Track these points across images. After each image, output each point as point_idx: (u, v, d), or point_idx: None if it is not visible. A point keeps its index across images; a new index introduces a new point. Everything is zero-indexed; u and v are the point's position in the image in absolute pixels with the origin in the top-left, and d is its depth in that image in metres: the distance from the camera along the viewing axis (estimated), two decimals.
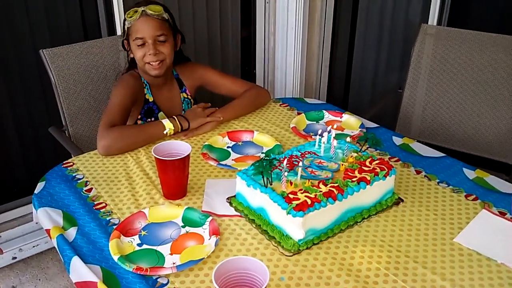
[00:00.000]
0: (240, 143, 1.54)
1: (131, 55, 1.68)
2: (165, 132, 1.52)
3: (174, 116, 1.56)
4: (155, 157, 1.21)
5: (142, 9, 1.59)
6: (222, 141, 1.55)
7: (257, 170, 1.15)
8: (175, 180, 1.24)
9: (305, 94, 2.82)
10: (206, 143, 1.52)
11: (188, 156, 1.22)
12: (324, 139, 1.32)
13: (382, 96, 2.52)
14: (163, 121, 1.53)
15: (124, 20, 1.63)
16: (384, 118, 2.23)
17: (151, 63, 1.62)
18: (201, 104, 1.66)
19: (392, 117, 2.19)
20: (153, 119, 1.71)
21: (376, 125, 1.67)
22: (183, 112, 1.77)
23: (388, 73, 2.85)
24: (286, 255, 1.10)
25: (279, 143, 1.51)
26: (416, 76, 2.08)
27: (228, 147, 1.52)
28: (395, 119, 2.17)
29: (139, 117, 1.69)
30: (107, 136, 1.46)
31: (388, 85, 2.78)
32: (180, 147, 1.25)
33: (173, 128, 1.53)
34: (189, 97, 1.80)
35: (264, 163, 1.15)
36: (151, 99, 1.71)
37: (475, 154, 2.00)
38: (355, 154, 1.28)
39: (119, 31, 2.20)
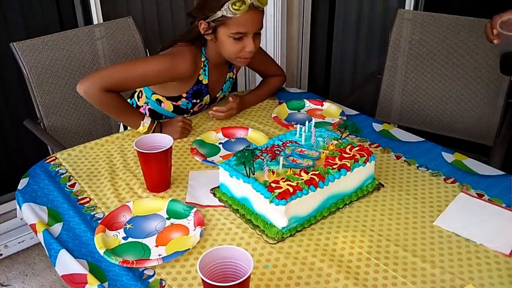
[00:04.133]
0: (233, 140, 1.52)
1: (208, 38, 1.51)
2: (140, 127, 1.49)
3: (156, 121, 1.51)
4: (137, 150, 1.21)
5: (251, 1, 1.42)
6: (215, 137, 1.53)
7: (239, 160, 1.16)
8: (158, 172, 1.25)
9: (287, 82, 2.82)
10: (197, 138, 1.51)
11: (170, 148, 1.23)
12: (305, 128, 1.34)
13: (362, 82, 2.54)
14: (143, 121, 1.48)
15: (222, 4, 1.42)
16: (365, 104, 2.26)
17: (246, 58, 1.51)
18: (188, 119, 1.56)
19: (373, 102, 2.22)
20: (198, 100, 1.63)
21: (356, 112, 1.69)
22: (221, 92, 1.69)
23: (368, 59, 2.87)
24: (270, 243, 1.12)
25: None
26: (394, 61, 2.11)
27: (220, 143, 1.51)
28: (376, 104, 2.20)
29: (185, 95, 1.59)
30: (96, 96, 1.42)
31: (368, 71, 2.80)
32: (163, 139, 1.25)
33: (146, 127, 1.48)
34: (233, 76, 1.72)
35: (246, 154, 1.16)
36: (205, 81, 1.60)
37: (454, 137, 2.04)
38: (336, 142, 1.30)
39: (95, 20, 2.18)
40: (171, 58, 1.50)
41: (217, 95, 1.70)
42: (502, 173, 1.35)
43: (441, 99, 2.05)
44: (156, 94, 1.62)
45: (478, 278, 1.02)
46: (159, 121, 1.54)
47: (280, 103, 1.73)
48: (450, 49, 2.00)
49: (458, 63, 2.00)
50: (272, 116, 1.63)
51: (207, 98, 1.65)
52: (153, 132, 1.49)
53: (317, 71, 3.06)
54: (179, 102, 1.62)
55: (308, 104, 1.72)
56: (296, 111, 1.69)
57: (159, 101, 1.63)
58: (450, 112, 2.04)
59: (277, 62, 1.89)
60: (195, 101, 1.63)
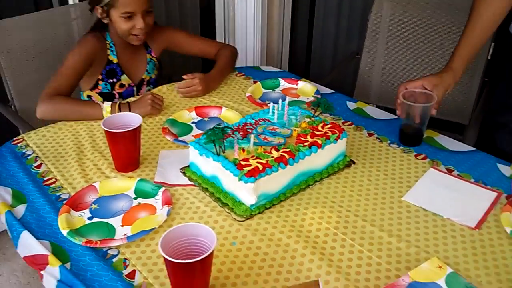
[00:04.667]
0: (206, 119, 1.50)
1: (105, 21, 1.63)
2: (103, 113, 1.46)
3: (118, 102, 1.51)
4: (104, 129, 1.19)
5: None
6: (188, 116, 1.51)
7: (209, 138, 1.15)
8: (126, 152, 1.23)
9: (267, 63, 2.81)
10: (170, 117, 1.49)
11: (138, 127, 1.21)
12: (279, 106, 1.32)
13: (341, 62, 2.52)
14: (103, 106, 1.47)
15: None
16: (346, 85, 2.25)
17: (137, 35, 1.61)
18: (155, 93, 1.56)
19: (353, 83, 2.21)
20: (115, 80, 1.68)
21: (331, 91, 1.68)
22: (146, 73, 1.75)
23: (350, 40, 2.86)
24: (238, 221, 1.11)
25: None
26: (374, 41, 2.09)
27: (193, 122, 1.49)
28: (354, 85, 2.19)
29: (100, 77, 1.67)
30: (47, 104, 1.49)
31: (349, 52, 2.78)
32: (131, 118, 1.23)
33: (109, 110, 1.46)
34: (154, 59, 1.77)
35: (216, 132, 1.15)
36: (115, 60, 1.68)
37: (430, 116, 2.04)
38: (308, 120, 1.29)
39: (71, 1, 2.13)
40: (77, 47, 1.63)
41: (143, 77, 1.72)
42: (473, 148, 1.36)
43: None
44: (85, 91, 1.71)
45: (443, 251, 1.03)
46: (126, 101, 1.53)
47: (254, 82, 1.71)
48: (429, 29, 1.99)
49: (437, 43, 1.99)
50: (246, 95, 1.61)
51: (126, 78, 1.69)
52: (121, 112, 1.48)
53: (298, 52, 3.03)
54: (100, 87, 1.69)
55: (283, 83, 1.70)
56: (271, 90, 1.68)
57: (89, 97, 1.72)
58: None
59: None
60: (111, 80, 1.69)
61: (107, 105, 1.47)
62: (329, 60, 2.99)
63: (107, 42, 1.67)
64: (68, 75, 1.55)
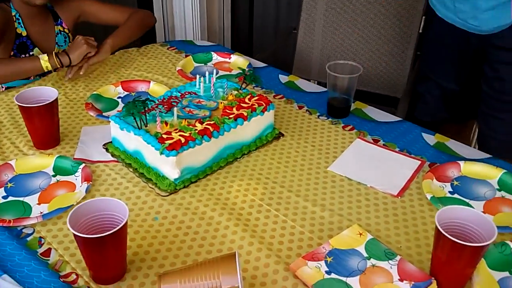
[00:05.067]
0: (133, 94, 1.46)
1: None
2: (41, 63, 1.41)
3: (54, 52, 1.45)
4: (18, 105, 1.13)
5: None
6: (114, 91, 1.46)
7: (128, 111, 1.11)
8: (43, 128, 1.17)
9: (209, 39, 2.76)
10: (94, 92, 1.44)
11: (55, 101, 1.15)
12: (206, 79, 1.30)
13: (277, 38, 2.51)
14: (40, 56, 1.42)
15: None
16: (287, 61, 2.24)
17: None
18: (86, 37, 1.51)
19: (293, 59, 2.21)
20: (27, 55, 1.60)
21: (264, 65, 1.66)
22: (56, 46, 1.66)
23: (291, 15, 2.85)
24: (162, 196, 1.08)
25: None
26: (311, 15, 2.09)
27: (119, 97, 1.44)
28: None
29: (12, 53, 1.57)
30: None
31: (290, 28, 2.78)
32: (47, 92, 1.17)
33: (49, 64, 1.42)
34: (65, 30, 1.69)
35: (136, 104, 1.11)
36: (24, 33, 1.58)
37: (366, 90, 2.07)
38: (236, 92, 1.27)
39: None
40: None
41: (55, 51, 1.63)
42: (399, 119, 1.38)
43: (356, 53, 2.06)
44: None
45: (365, 219, 1.04)
46: (60, 51, 1.47)
47: (186, 56, 1.67)
48: (365, 2, 2.00)
49: (373, 16, 2.01)
50: (177, 69, 1.57)
51: (37, 52, 1.63)
52: (60, 61, 1.43)
53: (240, 28, 3.00)
54: (20, 56, 1.59)
55: (216, 57, 1.67)
56: (203, 64, 1.64)
57: None
58: (364, 66, 2.06)
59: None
60: (24, 55, 1.60)
61: (44, 55, 1.42)
62: (272, 36, 2.98)
63: (13, 14, 1.57)
64: None
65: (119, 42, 1.60)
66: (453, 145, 1.28)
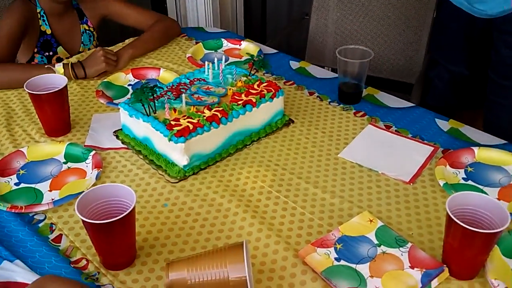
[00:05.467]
0: (143, 81, 1.45)
1: None
2: (58, 71, 1.41)
3: (70, 62, 1.45)
4: (28, 92, 1.14)
5: None
6: (125, 78, 1.46)
7: (136, 98, 1.11)
8: (53, 115, 1.18)
9: (222, 26, 2.74)
10: (105, 80, 1.44)
11: (64, 88, 1.16)
12: (215, 65, 1.29)
13: (288, 25, 2.48)
14: (55, 68, 1.41)
15: None
16: (301, 48, 2.21)
17: None
18: (106, 49, 1.51)
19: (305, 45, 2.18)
20: (51, 53, 1.61)
21: (275, 51, 1.64)
22: (82, 46, 1.67)
23: (305, 2, 2.81)
24: (172, 182, 1.08)
25: None
26: (324, 1, 2.06)
27: (129, 84, 1.44)
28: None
29: (36, 50, 1.58)
30: None
31: (302, 13, 2.75)
32: (56, 80, 1.18)
33: (63, 71, 1.41)
34: (90, 29, 1.69)
35: (145, 91, 1.11)
36: (48, 31, 1.59)
37: (380, 77, 2.04)
38: (244, 78, 1.26)
39: None
40: (6, 15, 1.52)
41: (80, 50, 1.64)
42: (411, 104, 1.36)
43: (369, 39, 2.03)
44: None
45: (376, 206, 1.03)
46: (78, 61, 1.46)
47: (197, 43, 1.66)
48: None
49: (386, 2, 1.97)
50: (187, 56, 1.56)
51: (62, 50, 1.62)
52: (75, 73, 1.43)
53: (253, 14, 2.97)
54: (36, 61, 1.60)
55: (226, 44, 1.66)
56: (213, 51, 1.63)
57: None
58: (378, 51, 2.03)
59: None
60: (47, 53, 1.61)
61: (59, 67, 1.41)
62: (285, 22, 2.95)
63: (38, 11, 1.57)
64: (4, 42, 1.47)
65: (138, 53, 1.58)
66: (467, 131, 1.25)
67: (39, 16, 1.58)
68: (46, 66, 1.42)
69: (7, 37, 1.47)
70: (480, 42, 1.65)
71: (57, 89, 1.14)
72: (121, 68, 1.50)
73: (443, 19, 1.66)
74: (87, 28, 1.68)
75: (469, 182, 1.09)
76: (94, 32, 1.71)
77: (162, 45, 1.66)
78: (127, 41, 1.67)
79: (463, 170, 1.12)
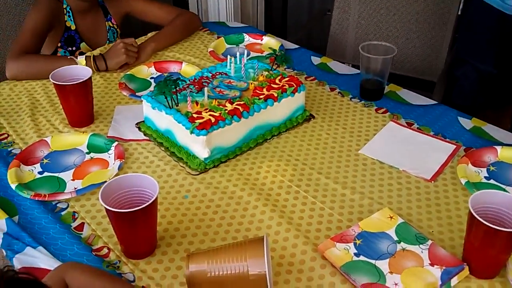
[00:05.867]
0: (165, 74, 1.46)
1: None
2: (80, 62, 1.43)
3: (92, 54, 1.47)
4: (53, 83, 1.16)
5: None
6: (147, 71, 1.48)
7: (159, 91, 1.12)
8: (78, 106, 1.20)
9: (242, 21, 2.74)
10: (128, 73, 1.45)
11: (89, 80, 1.17)
12: (237, 60, 1.29)
13: (310, 20, 2.47)
14: (77, 59, 1.43)
15: None
16: (322, 44, 2.21)
17: None
18: (128, 39, 1.51)
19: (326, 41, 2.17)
20: (74, 48, 1.63)
21: (296, 46, 1.64)
22: (107, 42, 1.68)
23: None
24: (192, 175, 1.09)
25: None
26: None
27: (151, 77, 1.46)
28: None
29: (59, 45, 1.61)
30: (16, 63, 1.42)
31: (324, 10, 2.73)
32: (81, 71, 1.19)
33: (85, 63, 1.43)
34: (114, 26, 1.71)
35: (168, 84, 1.12)
36: (73, 27, 1.61)
37: (401, 74, 2.02)
38: (266, 73, 1.27)
39: None
40: (33, 9, 1.54)
41: (105, 46, 1.64)
42: (434, 102, 1.35)
43: (391, 36, 2.01)
44: None
45: (397, 203, 1.03)
46: (100, 53, 1.49)
47: (218, 38, 1.67)
48: None
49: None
50: (209, 50, 1.57)
51: (85, 46, 1.64)
52: (97, 65, 1.45)
53: (274, 10, 2.97)
54: (59, 55, 1.62)
55: (248, 39, 1.66)
56: (235, 46, 1.64)
57: None
58: (400, 49, 2.01)
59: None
60: (70, 49, 1.62)
61: (81, 59, 1.43)
62: (306, 18, 2.93)
63: (64, 7, 1.59)
64: (29, 36, 1.49)
65: (161, 46, 1.59)
66: (490, 129, 1.24)
67: (65, 12, 1.60)
68: (69, 57, 1.45)
69: (32, 30, 1.50)
70: (509, 40, 1.61)
71: (81, 80, 1.15)
72: (143, 61, 1.52)
73: (472, 16, 1.63)
74: (111, 25, 1.71)
75: (491, 181, 1.08)
76: (117, 29, 1.73)
77: (183, 39, 1.67)
78: (149, 35, 1.68)
79: (485, 169, 1.11)
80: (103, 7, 1.69)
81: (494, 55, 1.68)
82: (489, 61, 1.68)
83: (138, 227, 0.85)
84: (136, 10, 1.73)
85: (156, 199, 0.84)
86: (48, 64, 1.42)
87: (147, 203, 0.82)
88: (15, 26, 1.74)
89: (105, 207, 0.82)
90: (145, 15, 1.72)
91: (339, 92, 1.39)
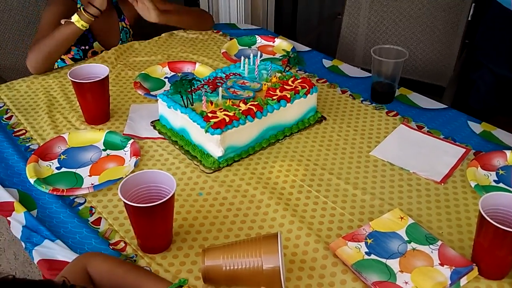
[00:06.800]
0: (179, 74, 1.49)
1: None
2: (76, 24, 1.45)
3: (82, 6, 1.49)
4: (71, 80, 1.18)
5: None
6: (161, 71, 1.50)
7: (175, 90, 1.14)
8: (95, 103, 1.22)
9: (252, 24, 2.77)
10: (142, 72, 1.48)
11: (106, 78, 1.20)
12: (250, 61, 1.32)
13: (320, 24, 2.49)
14: (72, 20, 1.46)
15: None
16: (332, 47, 2.23)
17: None
18: None
19: (337, 45, 2.19)
20: (87, 47, 1.65)
21: (308, 49, 1.66)
22: (120, 42, 1.71)
23: (336, 1, 2.82)
24: (206, 173, 1.12)
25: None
26: (357, 1, 2.06)
27: (165, 77, 1.48)
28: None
29: (72, 43, 1.61)
30: (32, 52, 1.47)
31: (335, 13, 2.76)
32: (98, 70, 1.22)
33: (83, 21, 1.45)
34: (127, 26, 1.73)
35: (184, 83, 1.14)
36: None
37: (410, 78, 2.04)
38: (279, 74, 1.29)
39: None
40: (49, 5, 1.58)
41: (119, 46, 1.66)
42: (444, 106, 1.36)
43: (401, 40, 2.03)
44: None
45: (407, 204, 1.04)
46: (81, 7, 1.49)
47: (231, 39, 1.69)
48: None
49: (420, 3, 1.97)
50: (222, 52, 1.59)
51: (97, 45, 1.66)
52: (90, 13, 1.45)
53: (284, 13, 2.99)
54: (72, 53, 1.64)
55: (260, 40, 1.68)
56: (247, 47, 1.66)
57: (62, 60, 1.67)
58: (409, 53, 2.02)
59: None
60: (83, 47, 1.64)
61: (75, 16, 1.46)
62: (316, 21, 2.96)
63: (78, 6, 1.61)
64: (46, 30, 1.51)
65: (169, 20, 1.62)
66: (500, 134, 1.25)
67: (78, 10, 1.62)
68: (63, 21, 1.47)
69: (47, 25, 1.52)
70: None
71: (99, 79, 1.18)
72: (148, 13, 1.55)
73: (490, 20, 1.64)
74: (125, 25, 1.73)
75: (501, 184, 1.09)
76: (130, 30, 1.75)
77: (192, 28, 1.73)
78: (163, 35, 1.71)
79: (494, 172, 1.12)
80: (117, 7, 1.71)
81: (510, 60, 1.68)
82: (506, 65, 1.69)
83: (156, 222, 0.87)
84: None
85: (173, 195, 0.86)
86: (51, 39, 1.46)
87: (165, 198, 0.84)
88: (32, 22, 1.77)
89: (124, 202, 0.84)
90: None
91: (350, 95, 1.41)
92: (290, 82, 1.24)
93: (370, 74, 1.48)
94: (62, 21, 1.47)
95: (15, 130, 1.24)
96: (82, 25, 1.46)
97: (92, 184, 1.06)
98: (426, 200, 1.05)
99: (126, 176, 1.05)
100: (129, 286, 0.81)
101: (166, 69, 1.50)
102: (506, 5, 1.55)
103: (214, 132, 1.08)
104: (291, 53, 1.34)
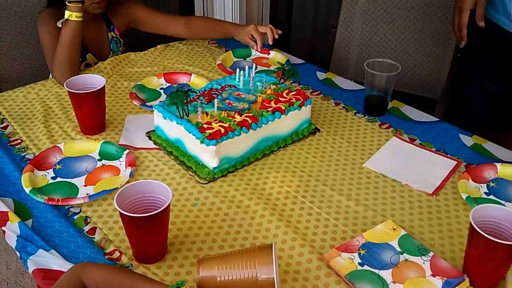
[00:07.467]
0: (175, 85, 1.51)
1: None
2: (70, 19, 1.46)
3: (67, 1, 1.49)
4: (68, 90, 1.19)
5: None
6: (157, 82, 1.52)
7: (171, 100, 1.15)
8: (90, 114, 1.23)
9: None
10: (138, 83, 1.49)
11: (102, 89, 1.21)
12: (245, 73, 1.33)
13: (315, 36, 2.52)
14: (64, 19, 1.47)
15: None
16: (324, 59, 2.25)
17: (97, 2, 1.55)
18: None
19: (330, 58, 2.22)
20: (80, 60, 1.67)
21: (302, 61, 1.69)
22: (111, 53, 1.71)
23: (329, 14, 2.85)
24: (201, 183, 1.13)
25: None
26: (350, 15, 2.10)
27: (161, 88, 1.50)
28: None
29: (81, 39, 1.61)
30: (54, 73, 1.49)
31: (328, 26, 2.79)
32: (95, 80, 1.23)
33: (72, 13, 1.45)
34: (118, 36, 1.74)
35: (179, 94, 1.15)
36: None
37: (403, 91, 2.07)
38: (274, 86, 1.30)
39: None
40: (42, 25, 1.57)
41: (109, 57, 1.68)
42: (436, 119, 1.39)
43: (394, 54, 2.06)
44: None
45: (399, 215, 1.06)
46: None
47: (226, 51, 1.71)
48: (406, 2, 1.99)
49: (413, 17, 2.00)
50: (217, 63, 1.61)
51: (91, 57, 1.67)
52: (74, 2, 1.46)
53: (279, 26, 3.02)
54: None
55: (255, 53, 1.70)
56: (242, 59, 1.68)
57: None
58: (402, 67, 2.05)
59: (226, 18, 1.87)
60: None
61: (65, 13, 1.47)
62: (310, 34, 2.99)
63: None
64: (54, 46, 1.50)
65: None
66: (491, 147, 1.27)
67: None
68: (59, 23, 1.48)
69: (50, 42, 1.52)
70: None
71: (96, 89, 1.19)
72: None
73: (480, 35, 1.67)
74: (114, 35, 1.72)
75: (491, 196, 1.11)
76: (120, 39, 1.75)
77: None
78: (159, 47, 1.73)
79: (485, 185, 1.14)
80: (106, 18, 1.71)
81: (500, 74, 1.71)
82: (496, 80, 1.72)
83: (151, 232, 0.88)
84: (142, 21, 1.74)
85: (168, 205, 0.87)
86: (60, 46, 1.47)
87: (161, 209, 0.85)
88: (28, 32, 1.79)
89: (120, 211, 0.85)
90: (152, 25, 1.74)
91: (343, 107, 1.43)
92: (284, 94, 1.26)
93: (363, 87, 1.51)
94: (59, 24, 1.49)
95: (10, 139, 1.25)
96: (76, 16, 1.46)
97: (87, 194, 1.07)
98: (418, 211, 1.07)
99: (122, 186, 1.07)
100: None
101: (162, 80, 1.52)
102: (505, 27, 1.58)
103: (209, 143, 1.09)
104: (285, 65, 1.36)
